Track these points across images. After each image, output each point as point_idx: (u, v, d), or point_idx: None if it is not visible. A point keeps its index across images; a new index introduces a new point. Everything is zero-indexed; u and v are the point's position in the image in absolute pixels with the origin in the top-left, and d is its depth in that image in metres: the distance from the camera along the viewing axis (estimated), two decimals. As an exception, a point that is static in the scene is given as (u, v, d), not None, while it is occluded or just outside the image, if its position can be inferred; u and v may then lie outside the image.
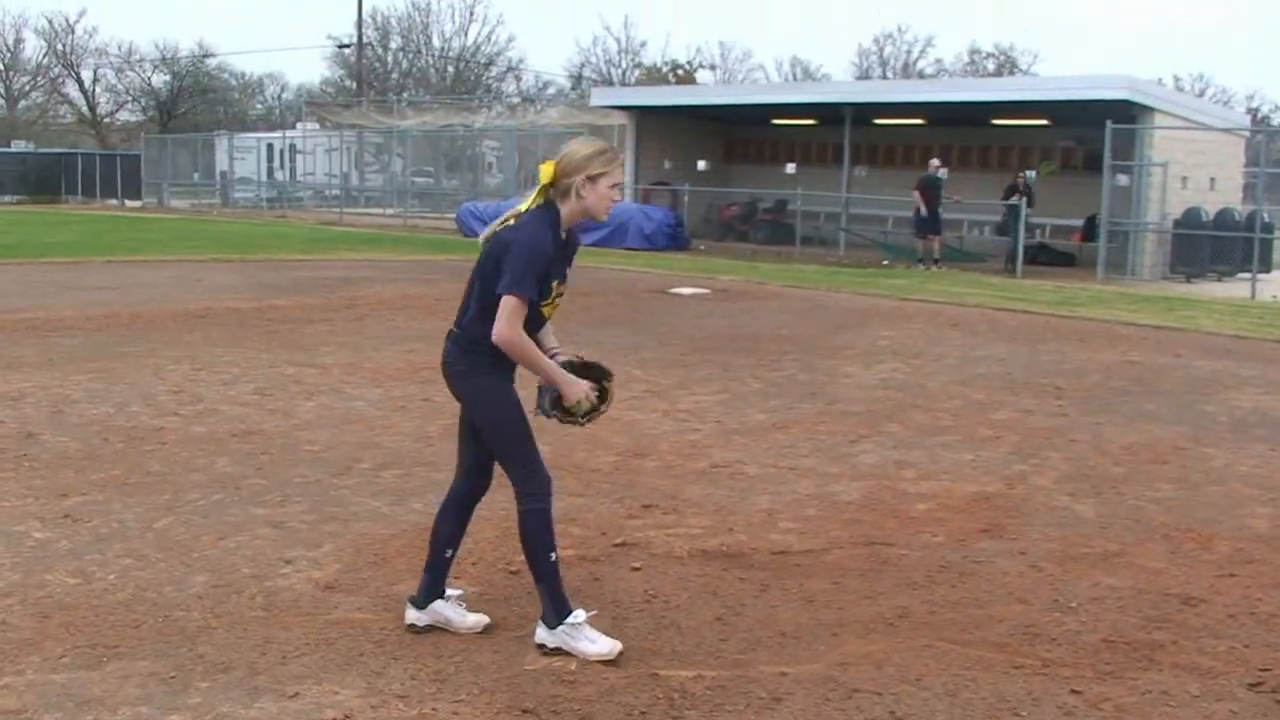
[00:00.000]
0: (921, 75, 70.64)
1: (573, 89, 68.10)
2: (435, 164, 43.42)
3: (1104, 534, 6.30)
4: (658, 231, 26.66)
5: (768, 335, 13.50)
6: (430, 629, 4.72)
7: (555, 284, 4.49)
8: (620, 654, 4.51)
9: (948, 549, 5.99)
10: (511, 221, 4.50)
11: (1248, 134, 29.43)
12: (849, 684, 4.36)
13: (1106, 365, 11.93)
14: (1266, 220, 22.96)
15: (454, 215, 32.15)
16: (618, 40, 75.80)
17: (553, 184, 4.48)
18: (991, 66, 71.55)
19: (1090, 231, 23.92)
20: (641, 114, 30.64)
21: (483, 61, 72.77)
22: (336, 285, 17.64)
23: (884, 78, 69.38)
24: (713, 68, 73.24)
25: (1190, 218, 22.89)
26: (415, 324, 13.59)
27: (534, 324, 4.48)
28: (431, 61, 73.25)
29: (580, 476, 7.15)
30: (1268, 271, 22.23)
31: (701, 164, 30.72)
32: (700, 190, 30.06)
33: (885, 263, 24.59)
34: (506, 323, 4.33)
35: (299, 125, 50.86)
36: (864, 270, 23.07)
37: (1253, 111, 60.12)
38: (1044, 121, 26.48)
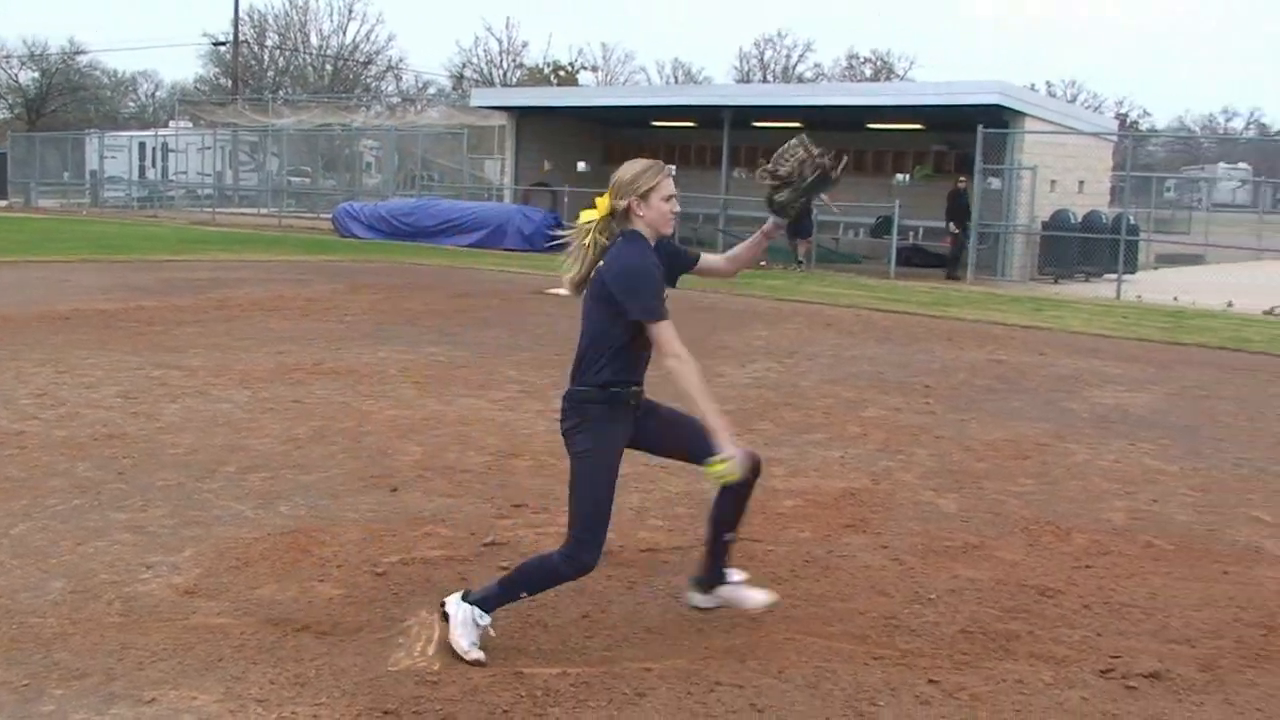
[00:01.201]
0: (801, 79, 71.49)
1: (454, 89, 67.75)
2: (312, 164, 42.89)
3: (965, 528, 6.44)
4: (537, 233, 26.56)
5: (645, 336, 13.51)
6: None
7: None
8: (481, 665, 4.48)
9: (813, 544, 6.07)
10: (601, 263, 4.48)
11: (1115, 139, 30.23)
12: (711, 677, 4.40)
13: (974, 364, 12.19)
14: (1132, 223, 23.65)
15: (330, 216, 31.77)
16: (499, 40, 75.63)
17: (611, 214, 4.49)
18: (869, 72, 72.73)
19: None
20: (522, 115, 30.59)
21: (361, 60, 72.04)
22: (207, 286, 17.31)
23: (764, 81, 70.11)
24: (594, 69, 73.45)
25: (1059, 220, 23.46)
26: (287, 325, 13.41)
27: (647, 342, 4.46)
28: (309, 60, 72.31)
29: (451, 477, 7.11)
30: (1133, 273, 22.90)
31: (582, 165, 30.79)
32: (580, 192, 29.93)
33: (763, 264, 24.82)
34: (669, 346, 4.36)
35: (172, 124, 49.91)
36: (742, 271, 23.23)
37: (1121, 117, 61.79)
38: (918, 126, 26.96)
